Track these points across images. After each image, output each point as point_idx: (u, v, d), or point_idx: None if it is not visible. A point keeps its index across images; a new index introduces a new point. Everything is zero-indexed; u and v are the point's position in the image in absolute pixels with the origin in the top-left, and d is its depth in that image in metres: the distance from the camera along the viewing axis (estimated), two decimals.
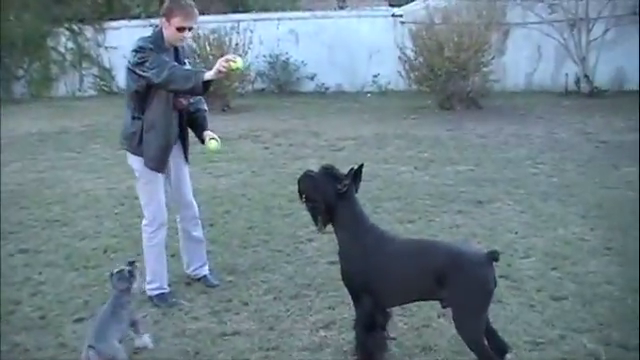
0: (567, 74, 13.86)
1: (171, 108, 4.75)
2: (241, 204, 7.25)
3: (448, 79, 12.31)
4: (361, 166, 3.89)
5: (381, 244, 3.79)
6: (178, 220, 5.18)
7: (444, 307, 3.78)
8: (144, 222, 4.96)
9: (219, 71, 4.35)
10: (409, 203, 7.07)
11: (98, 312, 4.04)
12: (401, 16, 15.12)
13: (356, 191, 3.93)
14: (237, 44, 13.27)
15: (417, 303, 4.26)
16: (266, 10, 16.98)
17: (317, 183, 3.89)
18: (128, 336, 4.09)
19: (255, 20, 14.72)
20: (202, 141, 4.97)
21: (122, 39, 16.04)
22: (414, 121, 11.62)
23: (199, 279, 5.25)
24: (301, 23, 15.70)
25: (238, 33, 13.33)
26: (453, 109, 12.36)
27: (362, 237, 3.82)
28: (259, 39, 14.08)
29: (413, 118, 11.88)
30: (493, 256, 3.58)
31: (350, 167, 3.87)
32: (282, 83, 15.48)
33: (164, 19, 4.62)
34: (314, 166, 8.61)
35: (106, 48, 16.56)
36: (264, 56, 15.12)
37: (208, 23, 13.33)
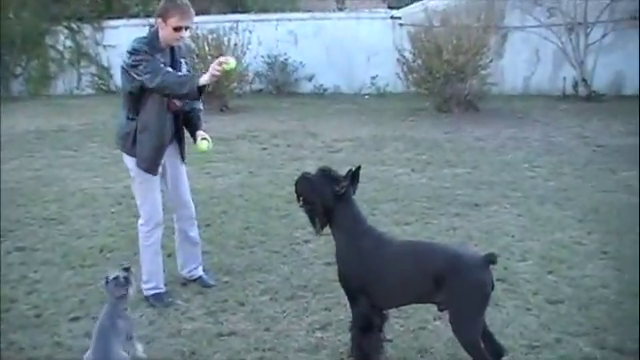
0: (565, 78, 13.88)
1: (165, 110, 4.74)
2: (238, 205, 7.24)
3: (446, 82, 12.31)
4: (359, 168, 3.89)
5: (378, 246, 3.78)
6: (175, 219, 5.17)
7: (440, 310, 3.78)
8: (140, 222, 4.95)
9: (213, 75, 4.35)
10: (406, 205, 7.07)
11: (96, 326, 3.83)
12: (400, 18, 15.13)
13: (353, 193, 3.93)
14: (236, 44, 13.26)
15: (413, 305, 4.25)
16: (265, 11, 16.98)
17: (314, 185, 3.88)
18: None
19: (254, 21, 14.73)
20: (195, 140, 4.95)
21: (121, 38, 16.03)
22: (412, 123, 11.63)
23: (195, 280, 5.25)
24: (300, 24, 15.70)
25: (237, 33, 13.32)
26: (451, 112, 12.36)
27: (359, 239, 3.82)
28: (258, 40, 14.08)
29: (411, 120, 11.88)
30: (490, 259, 3.58)
31: (348, 169, 3.87)
32: (280, 84, 15.47)
33: (160, 19, 4.58)
34: (311, 167, 8.59)
35: (104, 47, 16.54)
36: (262, 57, 15.12)
37: (207, 23, 13.33)
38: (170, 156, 4.94)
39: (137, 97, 4.67)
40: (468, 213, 6.77)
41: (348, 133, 10.79)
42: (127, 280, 3.90)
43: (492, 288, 3.63)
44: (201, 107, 5.06)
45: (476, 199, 7.20)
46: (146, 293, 4.92)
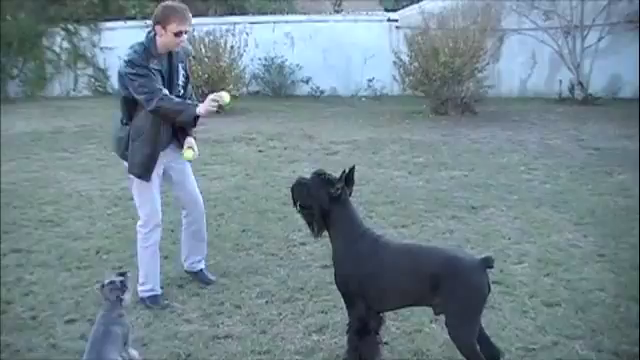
0: (561, 81, 13.90)
1: (159, 118, 4.71)
2: (235, 207, 7.24)
3: (443, 84, 12.33)
4: (352, 168, 3.89)
5: (375, 249, 3.78)
6: (184, 215, 5.19)
7: (437, 314, 3.79)
8: (139, 223, 4.95)
9: (208, 109, 4.48)
10: (403, 208, 7.07)
11: (92, 331, 3.77)
12: (396, 21, 15.15)
13: (350, 195, 3.93)
14: (232, 47, 13.27)
15: (409, 308, 4.26)
16: (262, 13, 16.98)
17: (310, 189, 3.88)
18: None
19: (251, 23, 14.72)
20: (182, 146, 4.92)
21: (118, 40, 15.98)
22: (408, 126, 11.63)
23: (195, 273, 5.27)
24: (297, 26, 15.71)
25: (234, 35, 13.33)
26: (447, 114, 12.37)
27: (356, 242, 3.82)
28: (254, 42, 14.09)
29: (407, 123, 11.89)
30: (487, 262, 3.59)
31: (342, 170, 3.87)
32: (277, 86, 15.48)
33: (159, 26, 4.58)
34: (308, 170, 8.58)
35: (101, 49, 16.53)
36: (259, 59, 15.13)
37: (203, 25, 13.32)
38: (173, 156, 4.95)
39: (131, 104, 4.69)
40: (464, 216, 6.77)
41: (345, 136, 10.79)
42: (123, 284, 3.84)
43: (489, 291, 3.64)
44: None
45: (473, 202, 7.20)
46: (142, 295, 4.91)
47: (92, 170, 9.02)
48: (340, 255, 3.87)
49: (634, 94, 13.44)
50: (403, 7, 16.20)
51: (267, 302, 4.93)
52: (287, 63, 15.35)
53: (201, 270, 5.29)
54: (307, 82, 15.52)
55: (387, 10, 17.25)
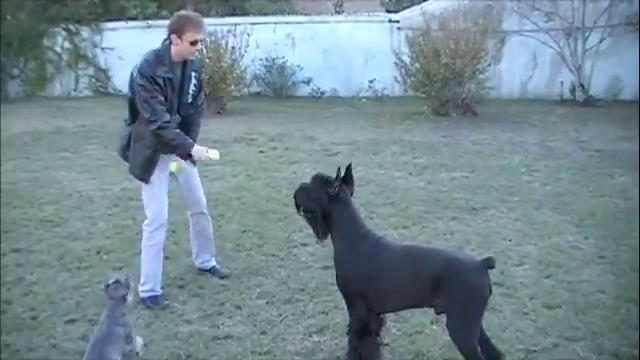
0: (562, 82, 13.90)
1: None
2: (235, 208, 7.23)
3: (444, 85, 12.32)
4: (349, 166, 3.93)
5: (376, 250, 3.78)
6: (189, 215, 5.31)
7: (438, 314, 3.78)
8: (145, 222, 5.02)
9: (200, 157, 4.79)
10: (403, 209, 7.07)
11: (95, 330, 3.86)
12: (398, 22, 15.14)
13: (351, 194, 3.94)
14: (233, 47, 13.26)
15: (410, 309, 4.25)
16: (263, 14, 16.98)
17: (310, 192, 3.93)
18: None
19: (252, 24, 14.71)
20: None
21: (119, 40, 16.08)
22: (409, 127, 11.63)
23: (208, 270, 5.37)
24: (298, 27, 15.71)
25: (235, 36, 13.32)
26: (448, 115, 12.37)
27: (358, 243, 3.83)
28: (256, 42, 14.07)
29: (408, 124, 11.88)
30: (488, 263, 3.59)
31: (337, 167, 3.90)
32: (278, 87, 15.48)
33: (174, 35, 4.67)
34: (308, 170, 8.63)
35: (102, 49, 16.53)
36: (260, 59, 15.13)
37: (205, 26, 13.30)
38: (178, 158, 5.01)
39: (136, 107, 4.79)
40: (465, 217, 6.77)
41: (345, 137, 10.79)
42: (127, 283, 3.91)
43: (490, 293, 3.63)
44: (200, 124, 5.16)
45: (473, 203, 7.20)
46: (142, 295, 4.92)
47: (92, 170, 9.02)
48: (341, 256, 3.87)
49: (635, 96, 13.43)
50: (404, 8, 16.18)
51: (267, 303, 4.93)
52: (288, 64, 15.35)
53: (213, 267, 5.40)
54: (308, 83, 15.52)
55: (388, 11, 17.25)
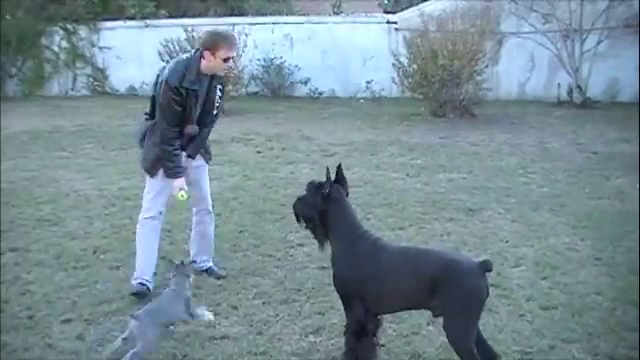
0: (560, 84, 13.92)
1: (178, 129, 4.94)
2: (232, 207, 7.23)
3: (441, 87, 12.33)
4: (339, 166, 3.97)
5: (374, 251, 3.79)
6: (194, 212, 5.38)
7: (435, 316, 3.78)
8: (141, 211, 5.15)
9: (177, 188, 4.94)
10: (400, 210, 7.07)
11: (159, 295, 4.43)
12: (396, 23, 15.16)
13: (347, 195, 3.95)
14: None
15: (407, 310, 4.25)
16: (261, 14, 16.99)
17: (306, 199, 3.98)
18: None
19: (250, 24, 14.71)
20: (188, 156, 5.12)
21: (117, 39, 16.09)
22: (407, 128, 11.64)
23: (204, 271, 5.37)
24: (296, 28, 15.72)
25: None
26: (446, 117, 12.38)
27: (355, 244, 3.83)
28: (254, 43, 14.07)
29: (406, 125, 11.89)
30: (486, 265, 3.59)
31: (326, 168, 3.94)
32: (276, 87, 15.50)
33: (208, 52, 4.79)
34: (306, 171, 8.64)
35: (100, 48, 16.52)
36: (258, 60, 15.14)
37: (203, 26, 13.29)
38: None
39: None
40: (462, 218, 6.77)
41: (343, 137, 10.79)
42: (192, 267, 4.61)
43: (487, 294, 3.64)
44: (209, 135, 5.25)
45: (470, 204, 7.20)
46: (132, 282, 5.04)
47: (90, 169, 9.01)
48: (338, 257, 3.88)
49: (632, 98, 13.47)
50: (402, 9, 16.20)
51: (264, 303, 4.92)
52: (286, 64, 15.36)
53: (210, 267, 5.42)
54: (306, 83, 15.54)
55: (386, 12, 17.27)
